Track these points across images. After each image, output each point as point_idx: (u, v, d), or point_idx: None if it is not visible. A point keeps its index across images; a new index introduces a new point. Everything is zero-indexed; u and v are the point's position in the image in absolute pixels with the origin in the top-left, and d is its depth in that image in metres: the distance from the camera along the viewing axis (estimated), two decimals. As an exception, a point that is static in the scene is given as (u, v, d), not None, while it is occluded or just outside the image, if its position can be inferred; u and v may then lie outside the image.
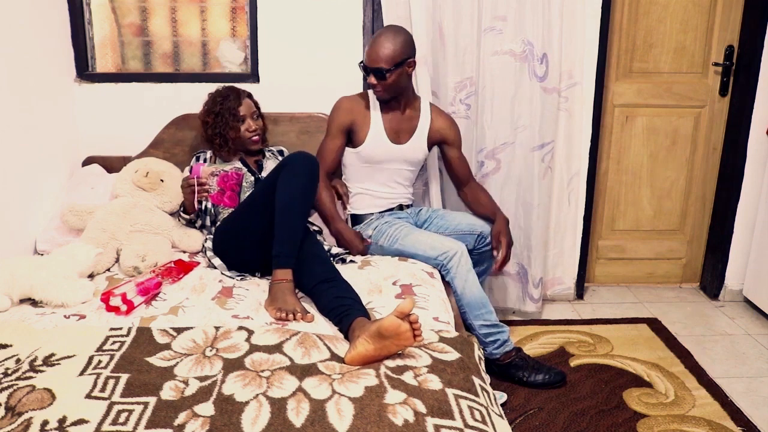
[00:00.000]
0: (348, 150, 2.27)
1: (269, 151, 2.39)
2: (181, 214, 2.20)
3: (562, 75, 2.48)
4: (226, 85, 2.32)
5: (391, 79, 2.11)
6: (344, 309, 1.63)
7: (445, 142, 2.32)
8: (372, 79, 2.13)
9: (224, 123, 2.21)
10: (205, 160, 2.29)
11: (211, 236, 2.13)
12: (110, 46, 2.64)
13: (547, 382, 2.12)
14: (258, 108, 2.32)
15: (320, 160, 2.14)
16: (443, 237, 2.16)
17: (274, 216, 1.83)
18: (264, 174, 2.24)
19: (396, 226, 2.20)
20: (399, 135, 2.25)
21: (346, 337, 1.57)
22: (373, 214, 2.27)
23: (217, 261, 2.03)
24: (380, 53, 2.09)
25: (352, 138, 2.25)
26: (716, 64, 2.74)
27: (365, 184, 2.28)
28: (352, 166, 2.29)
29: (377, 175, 2.27)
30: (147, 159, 2.38)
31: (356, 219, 2.29)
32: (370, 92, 2.24)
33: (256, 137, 2.26)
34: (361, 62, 2.17)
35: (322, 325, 1.68)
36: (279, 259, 1.79)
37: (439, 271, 2.09)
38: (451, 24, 2.42)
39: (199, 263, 2.10)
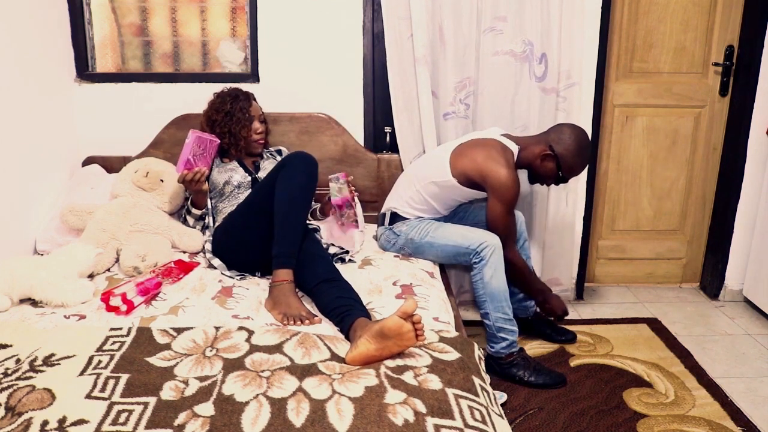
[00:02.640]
0: (471, 191, 2.17)
1: (267, 151, 2.39)
2: (192, 210, 2.19)
3: (561, 75, 2.48)
4: (233, 86, 2.34)
5: None
6: (345, 309, 1.63)
7: None
8: (554, 184, 2.20)
9: (236, 122, 2.22)
10: None
11: (211, 238, 2.13)
12: (110, 46, 2.64)
13: (547, 384, 2.12)
14: (262, 112, 2.35)
15: (511, 236, 2.15)
16: (475, 228, 2.17)
17: (273, 216, 1.83)
18: (261, 175, 2.24)
19: (428, 222, 2.24)
20: None
21: (347, 337, 1.57)
22: (412, 219, 2.28)
23: (216, 261, 2.03)
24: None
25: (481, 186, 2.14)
26: (716, 64, 2.74)
27: (438, 206, 2.25)
28: (452, 197, 2.22)
29: (456, 206, 2.30)
30: (147, 159, 2.38)
31: (396, 216, 2.28)
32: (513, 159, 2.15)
33: (262, 140, 2.30)
34: (564, 175, 2.14)
35: (322, 324, 1.68)
36: (280, 259, 1.79)
37: (469, 261, 2.12)
38: (451, 24, 2.42)
39: (199, 263, 2.10)
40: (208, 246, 2.10)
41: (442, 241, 2.15)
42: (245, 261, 2.00)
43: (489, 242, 2.08)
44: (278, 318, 1.69)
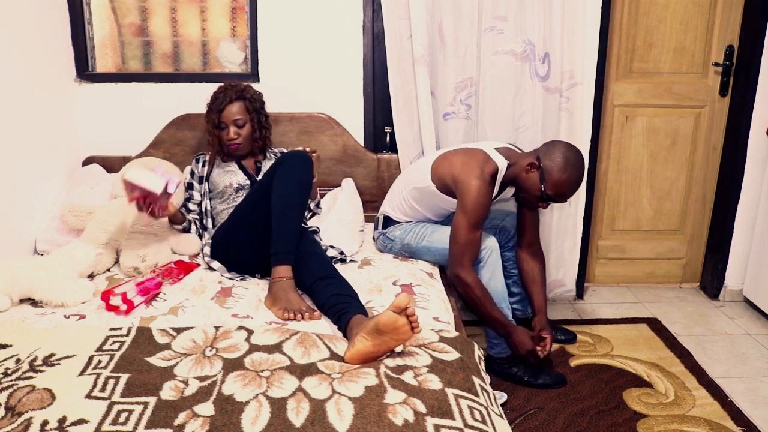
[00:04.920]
0: (449, 199, 2.11)
1: (271, 152, 2.37)
2: (173, 227, 2.18)
3: (564, 75, 2.48)
4: (231, 83, 2.26)
5: None
6: (342, 306, 1.63)
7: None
8: (542, 205, 2.04)
9: (211, 123, 2.21)
10: (204, 163, 2.29)
11: (210, 241, 2.12)
12: (110, 46, 2.65)
13: (548, 384, 2.12)
14: (250, 112, 2.21)
15: (466, 253, 1.98)
16: None
17: (271, 215, 1.83)
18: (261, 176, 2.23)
19: (423, 224, 2.23)
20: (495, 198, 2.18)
21: (345, 335, 1.57)
22: (403, 221, 2.27)
23: (216, 264, 2.03)
24: (577, 188, 2.00)
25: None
26: (716, 64, 2.74)
27: (427, 214, 2.23)
28: (436, 204, 2.17)
29: (448, 215, 2.24)
30: (146, 159, 2.38)
31: (389, 221, 2.28)
32: (500, 174, 2.05)
33: (234, 146, 2.19)
34: (546, 191, 1.96)
35: (321, 323, 1.68)
36: (278, 256, 1.80)
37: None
38: (451, 24, 2.42)
39: (199, 264, 2.09)
40: (207, 250, 2.10)
41: (440, 245, 2.13)
42: (245, 263, 2.00)
43: (486, 244, 2.07)
44: (278, 313, 1.69)
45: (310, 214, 2.34)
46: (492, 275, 2.07)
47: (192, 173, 2.31)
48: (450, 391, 1.32)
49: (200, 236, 2.21)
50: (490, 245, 2.08)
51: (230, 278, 1.97)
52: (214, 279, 1.96)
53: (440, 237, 2.15)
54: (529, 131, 2.53)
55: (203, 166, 2.30)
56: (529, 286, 2.27)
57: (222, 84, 2.27)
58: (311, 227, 2.20)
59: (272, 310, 1.73)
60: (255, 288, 1.90)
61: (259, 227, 1.86)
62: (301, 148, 2.06)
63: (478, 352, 1.56)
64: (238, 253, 2.00)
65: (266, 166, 2.28)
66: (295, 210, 1.85)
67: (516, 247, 2.32)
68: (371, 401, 1.26)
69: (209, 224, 2.21)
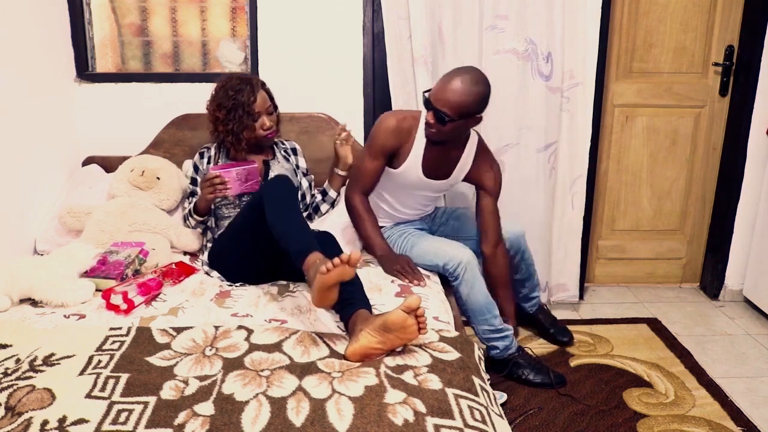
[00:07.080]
0: (396, 170, 2.11)
1: (283, 149, 2.29)
2: (193, 215, 2.12)
3: (564, 75, 2.47)
4: (239, 74, 2.16)
5: (449, 127, 1.95)
6: (348, 295, 1.60)
7: (481, 188, 2.19)
8: (430, 117, 1.96)
9: (238, 120, 2.05)
10: (209, 158, 2.19)
11: (211, 244, 2.10)
12: (110, 46, 2.65)
13: (547, 383, 2.11)
14: (272, 100, 2.16)
15: (358, 180, 2.08)
16: (451, 243, 2.10)
17: (267, 234, 1.73)
18: (272, 175, 2.14)
19: (405, 236, 2.18)
20: (436, 172, 2.12)
21: (346, 326, 1.57)
22: (388, 225, 2.25)
23: (214, 274, 2.01)
24: (450, 99, 1.89)
25: (390, 158, 2.10)
26: (716, 64, 2.74)
27: (389, 199, 2.21)
28: (396, 184, 2.16)
29: (403, 196, 2.20)
30: (142, 157, 2.36)
31: None
32: (422, 118, 2.05)
33: (273, 133, 2.13)
34: (427, 92, 1.98)
35: (321, 317, 1.68)
36: (301, 254, 1.64)
37: (447, 277, 2.07)
38: (451, 23, 2.42)
39: (199, 270, 2.08)
40: (204, 257, 2.08)
41: (420, 261, 2.09)
42: (243, 273, 1.96)
43: (461, 259, 2.01)
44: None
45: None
46: (471, 290, 2.02)
47: (196, 168, 2.20)
48: (450, 391, 1.32)
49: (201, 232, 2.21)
50: (465, 259, 2.01)
51: (229, 285, 1.95)
52: (214, 283, 1.96)
53: (419, 252, 2.11)
54: (532, 131, 2.53)
55: (208, 162, 2.20)
56: (498, 290, 2.20)
57: (225, 77, 2.13)
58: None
59: (323, 304, 1.60)
60: (254, 288, 1.90)
61: (255, 245, 1.82)
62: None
63: (478, 352, 1.56)
64: (236, 264, 1.95)
65: (275, 167, 2.19)
66: (294, 211, 1.78)
67: (481, 251, 2.20)
68: (371, 401, 1.26)
69: (211, 222, 2.19)
